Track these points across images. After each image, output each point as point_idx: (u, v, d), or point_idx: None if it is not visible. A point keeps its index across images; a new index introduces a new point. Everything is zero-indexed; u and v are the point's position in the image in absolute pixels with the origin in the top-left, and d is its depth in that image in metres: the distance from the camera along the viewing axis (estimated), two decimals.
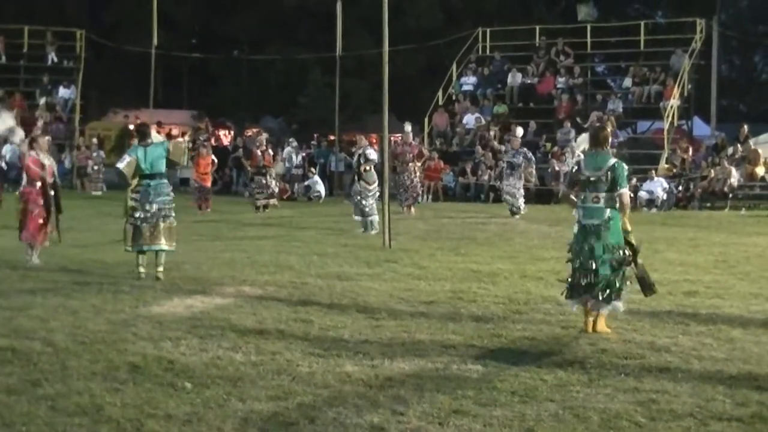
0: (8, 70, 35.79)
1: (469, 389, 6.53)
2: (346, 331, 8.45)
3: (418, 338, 8.20)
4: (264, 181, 23.53)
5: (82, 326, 8.53)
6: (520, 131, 23.31)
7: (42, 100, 34.67)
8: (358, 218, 18.00)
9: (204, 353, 7.52)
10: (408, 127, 22.96)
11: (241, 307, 9.68)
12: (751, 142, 27.75)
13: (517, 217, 21.01)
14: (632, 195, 26.60)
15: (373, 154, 18.36)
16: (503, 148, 23.16)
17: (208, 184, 24.29)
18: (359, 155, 18.41)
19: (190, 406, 6.12)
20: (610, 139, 8.91)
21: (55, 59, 36.79)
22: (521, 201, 21.74)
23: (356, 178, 18.53)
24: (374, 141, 25.04)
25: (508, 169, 21.89)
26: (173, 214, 11.80)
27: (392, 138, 24.48)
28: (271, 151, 24.64)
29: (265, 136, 26.13)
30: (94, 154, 31.54)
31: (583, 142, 9.58)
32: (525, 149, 22.40)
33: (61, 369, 6.97)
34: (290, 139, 33.44)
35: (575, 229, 8.62)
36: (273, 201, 23.78)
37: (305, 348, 7.73)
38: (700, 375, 7.02)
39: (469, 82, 34.05)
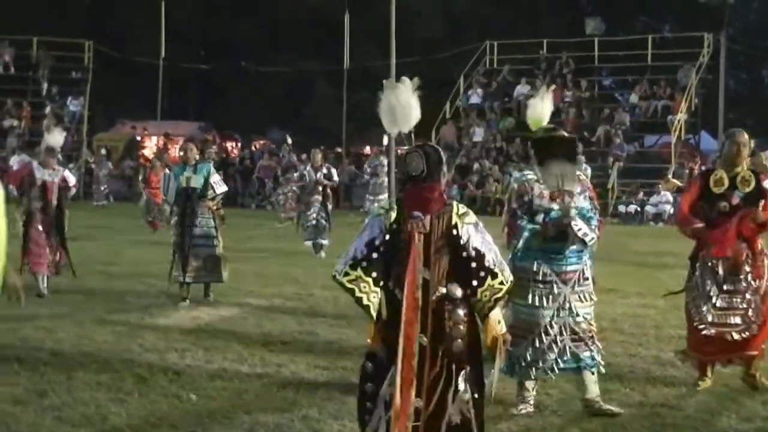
0: (17, 80, 35.90)
1: None
2: (351, 344, 8.45)
3: None
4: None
5: (88, 337, 8.55)
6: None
7: (48, 110, 34.73)
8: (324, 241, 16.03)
9: (209, 365, 7.53)
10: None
11: (247, 319, 9.70)
12: (762, 156, 27.68)
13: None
14: (639, 209, 26.80)
15: (335, 174, 16.90)
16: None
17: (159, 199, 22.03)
18: (323, 174, 16.11)
19: (196, 417, 6.13)
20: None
21: (62, 71, 36.87)
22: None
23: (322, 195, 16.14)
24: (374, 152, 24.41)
25: None
26: None
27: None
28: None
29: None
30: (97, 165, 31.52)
31: None
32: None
33: (67, 379, 6.99)
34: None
35: None
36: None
37: (310, 360, 7.74)
38: (706, 389, 7.00)
39: (476, 95, 34.06)
